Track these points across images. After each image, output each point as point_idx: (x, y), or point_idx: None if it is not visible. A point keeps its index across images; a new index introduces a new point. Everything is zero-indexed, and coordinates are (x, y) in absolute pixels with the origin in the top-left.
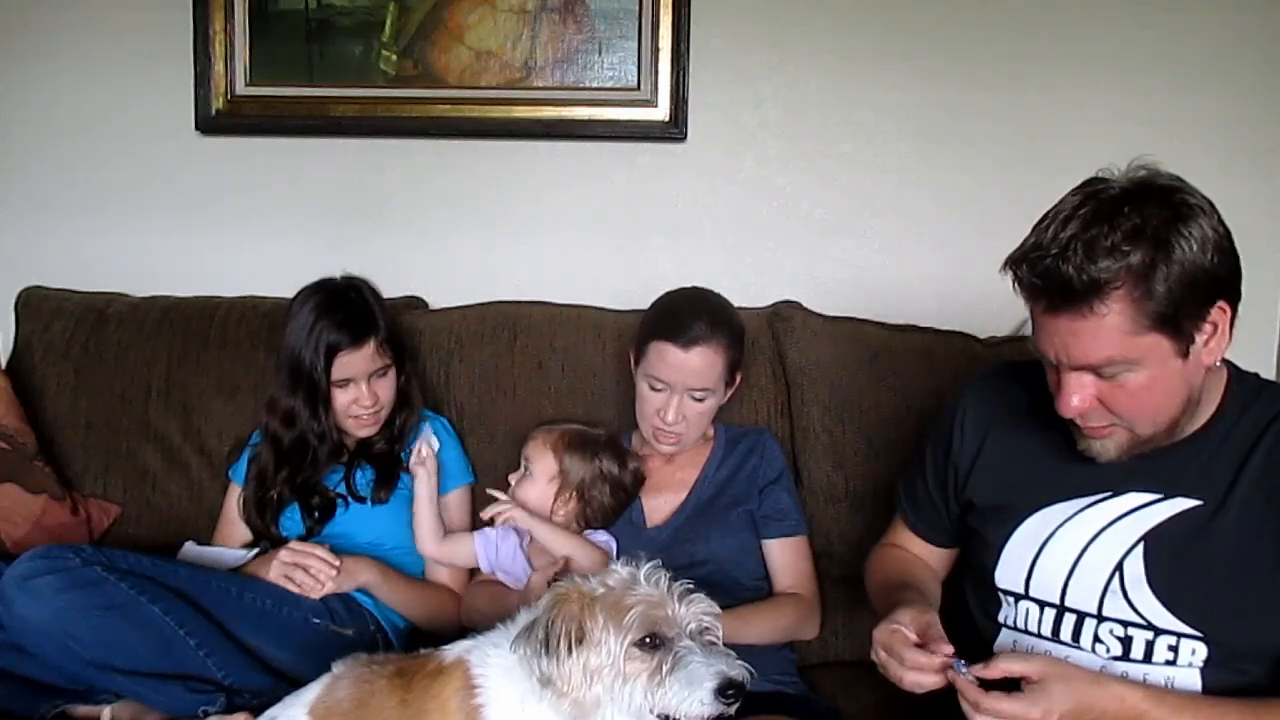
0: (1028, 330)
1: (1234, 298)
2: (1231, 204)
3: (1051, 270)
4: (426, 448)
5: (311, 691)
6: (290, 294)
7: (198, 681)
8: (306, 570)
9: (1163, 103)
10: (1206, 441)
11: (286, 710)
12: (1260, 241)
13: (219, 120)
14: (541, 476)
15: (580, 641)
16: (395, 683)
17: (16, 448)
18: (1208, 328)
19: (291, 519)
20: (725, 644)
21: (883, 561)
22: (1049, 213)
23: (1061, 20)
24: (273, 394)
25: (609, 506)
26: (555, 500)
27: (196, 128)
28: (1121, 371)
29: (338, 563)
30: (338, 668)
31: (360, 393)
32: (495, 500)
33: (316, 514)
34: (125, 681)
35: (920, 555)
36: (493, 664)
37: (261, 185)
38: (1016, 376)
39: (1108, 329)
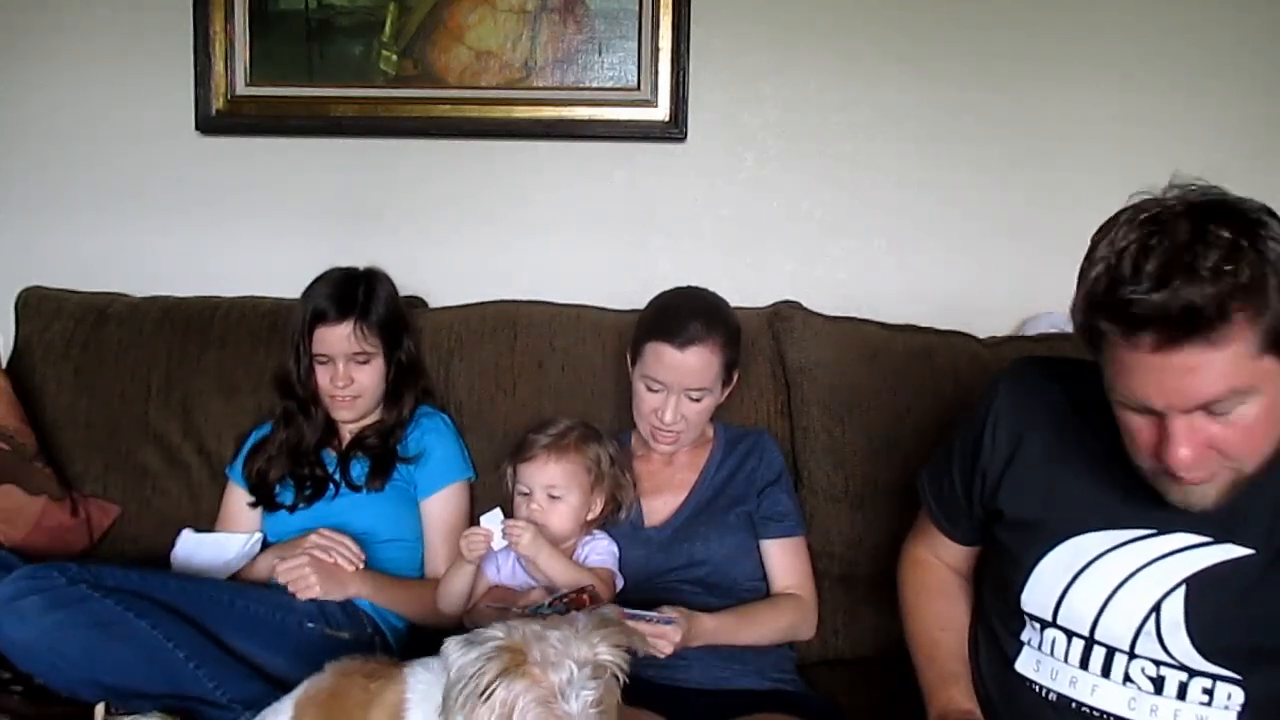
0: (1028, 330)
1: None
2: None
3: (1165, 302)
4: (482, 542)
5: (300, 687)
6: (290, 294)
7: (190, 701)
8: (335, 555)
9: (1163, 103)
10: (1264, 488)
11: (277, 705)
12: None
13: (219, 120)
14: (573, 493)
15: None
16: (364, 682)
17: (16, 448)
18: None
19: (283, 489)
20: (727, 644)
21: (917, 599)
22: (1106, 250)
23: (1061, 20)
24: (281, 362)
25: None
26: (588, 511)
27: (196, 128)
28: (1235, 405)
29: (363, 558)
30: (330, 666)
31: (336, 372)
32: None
33: (309, 489)
34: (114, 696)
35: (950, 565)
36: (421, 681)
37: (261, 185)
38: (1059, 376)
39: (1231, 355)
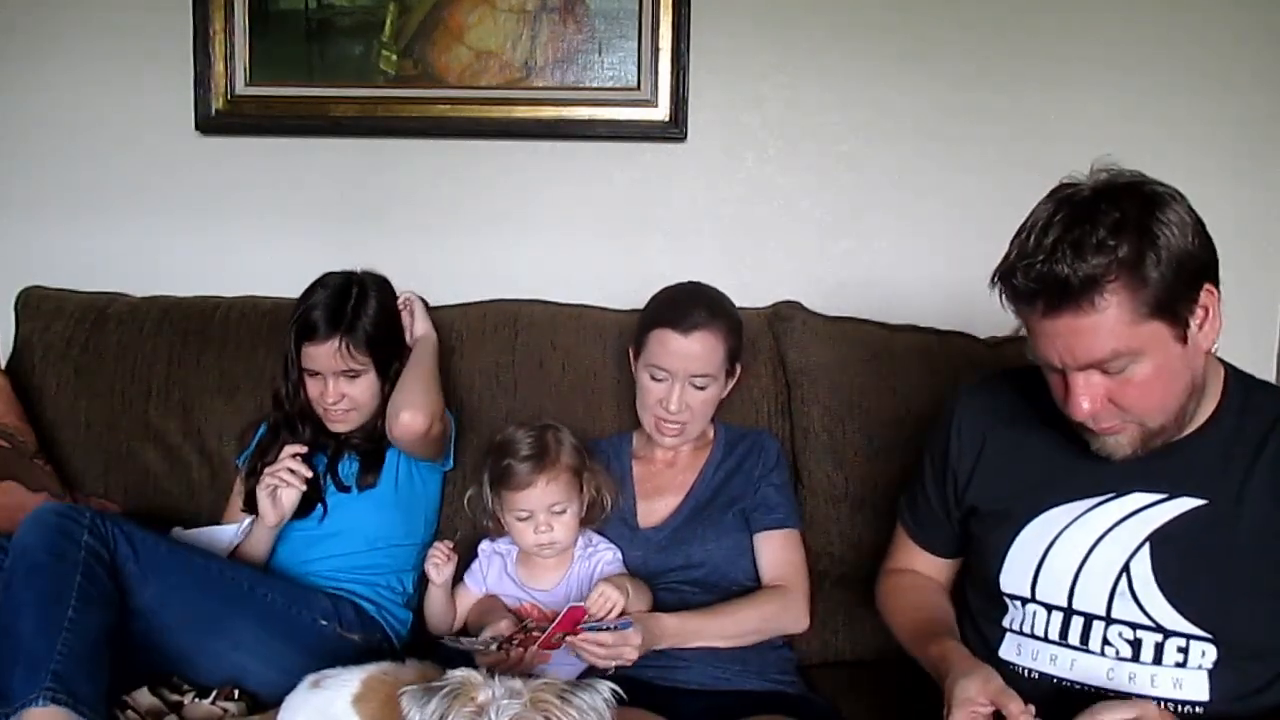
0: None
1: (1217, 281)
2: (1232, 204)
3: (1045, 274)
4: (442, 553)
5: (375, 666)
6: (290, 294)
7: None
8: (281, 471)
9: (1162, 103)
10: (1208, 440)
11: (344, 673)
12: (1260, 241)
13: (219, 120)
14: (573, 501)
15: None
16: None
17: (17, 446)
18: (1200, 311)
19: None
20: (699, 643)
21: (898, 596)
22: (1025, 225)
23: (1061, 20)
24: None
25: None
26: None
27: (196, 128)
28: (1127, 365)
29: (309, 474)
30: (413, 663)
31: (326, 388)
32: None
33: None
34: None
35: (927, 573)
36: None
37: (261, 185)
38: (1010, 381)
39: (1109, 322)
